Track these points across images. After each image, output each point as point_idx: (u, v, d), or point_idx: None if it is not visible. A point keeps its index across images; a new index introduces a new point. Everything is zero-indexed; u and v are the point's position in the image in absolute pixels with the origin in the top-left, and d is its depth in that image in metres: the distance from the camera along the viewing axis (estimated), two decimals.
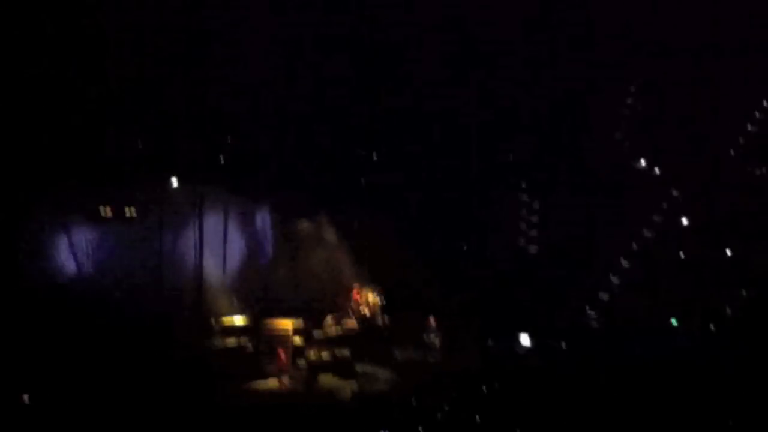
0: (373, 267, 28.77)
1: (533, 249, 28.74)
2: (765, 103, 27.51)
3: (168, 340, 24.21)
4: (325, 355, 25.80)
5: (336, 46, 26.45)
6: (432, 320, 26.82)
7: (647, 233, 27.47)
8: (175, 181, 26.44)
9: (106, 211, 25.75)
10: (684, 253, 26.74)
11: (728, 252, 26.58)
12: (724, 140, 27.75)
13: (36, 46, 22.72)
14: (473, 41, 27.70)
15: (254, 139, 26.29)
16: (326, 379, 24.77)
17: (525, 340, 26.31)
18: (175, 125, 24.91)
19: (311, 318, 26.91)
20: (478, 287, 27.80)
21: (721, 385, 20.35)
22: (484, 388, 22.82)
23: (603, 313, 26.62)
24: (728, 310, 25.47)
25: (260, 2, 25.96)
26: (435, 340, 26.50)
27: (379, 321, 27.64)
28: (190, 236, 26.86)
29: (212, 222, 27.41)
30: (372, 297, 27.96)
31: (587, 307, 26.81)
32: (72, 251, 24.97)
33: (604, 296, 26.89)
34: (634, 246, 27.35)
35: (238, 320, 26.02)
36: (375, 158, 28.77)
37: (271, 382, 24.59)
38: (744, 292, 25.71)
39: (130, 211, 25.97)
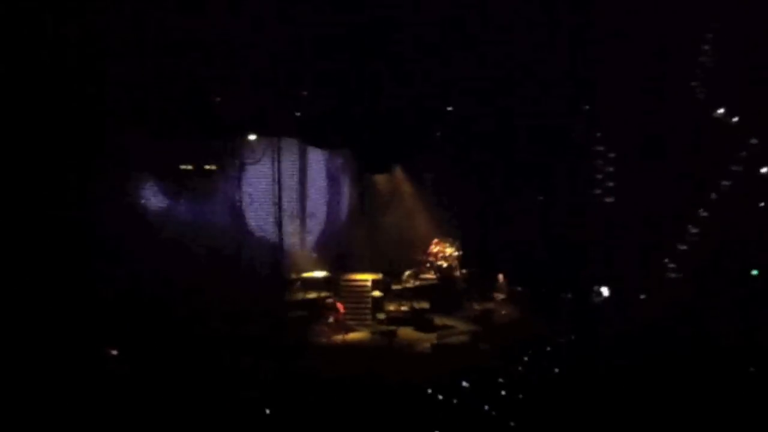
0: (450, 220, 29.02)
1: (610, 200, 28.46)
2: None
3: (250, 294, 24.75)
4: (404, 307, 26.28)
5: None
6: (501, 277, 27.02)
7: (726, 183, 26.97)
8: (253, 136, 26.52)
9: (186, 167, 25.99)
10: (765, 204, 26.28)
11: None
12: None
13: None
14: None
15: (329, 93, 26.16)
16: (405, 332, 25.16)
17: (603, 291, 26.42)
18: (251, 80, 24.81)
19: (390, 272, 27.34)
20: (554, 241, 27.73)
21: None
22: (561, 342, 22.88)
23: (682, 264, 26.43)
24: None
25: None
26: (504, 296, 26.77)
27: (457, 273, 27.93)
28: (268, 192, 27.22)
29: (289, 178, 27.74)
30: (450, 250, 28.21)
31: (666, 259, 26.64)
32: (151, 206, 25.35)
33: (682, 247, 26.71)
34: (713, 196, 26.92)
35: (318, 275, 26.44)
36: (450, 110, 28.54)
37: (351, 335, 25.12)
38: None
39: (209, 167, 26.23)
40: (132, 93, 23.24)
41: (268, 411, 17.10)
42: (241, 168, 26.91)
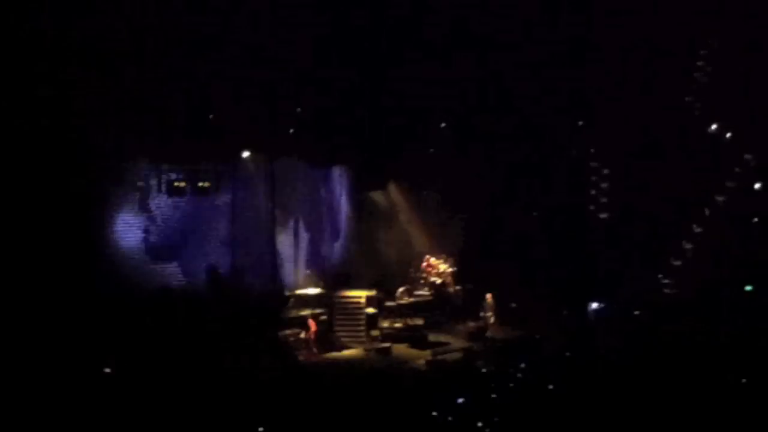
0: (443, 237, 29.03)
1: (604, 216, 28.52)
2: None
3: (244, 311, 24.70)
4: (398, 324, 26.20)
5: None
6: (489, 296, 26.95)
7: (720, 198, 27.01)
8: (247, 152, 26.50)
9: (180, 184, 25.91)
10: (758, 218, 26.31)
11: None
12: None
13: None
14: None
15: (324, 110, 26.18)
16: (400, 349, 25.06)
17: (596, 307, 26.39)
18: (245, 96, 24.81)
19: (384, 288, 27.28)
20: (551, 256, 27.72)
21: None
22: (557, 356, 22.81)
23: (676, 279, 26.45)
24: None
25: None
26: (490, 316, 26.69)
27: (451, 290, 27.89)
28: (262, 209, 27.18)
29: (284, 194, 27.68)
30: (444, 266, 28.19)
31: (660, 275, 26.67)
32: (146, 224, 25.26)
33: (676, 263, 26.74)
34: (707, 212, 26.96)
35: (312, 292, 26.38)
36: (444, 127, 28.59)
37: (345, 352, 25.03)
38: None
39: (203, 185, 26.15)
40: (127, 107, 23.20)
41: (261, 429, 17.02)
42: (236, 185, 26.84)
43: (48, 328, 20.21)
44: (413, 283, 27.86)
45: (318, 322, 24.92)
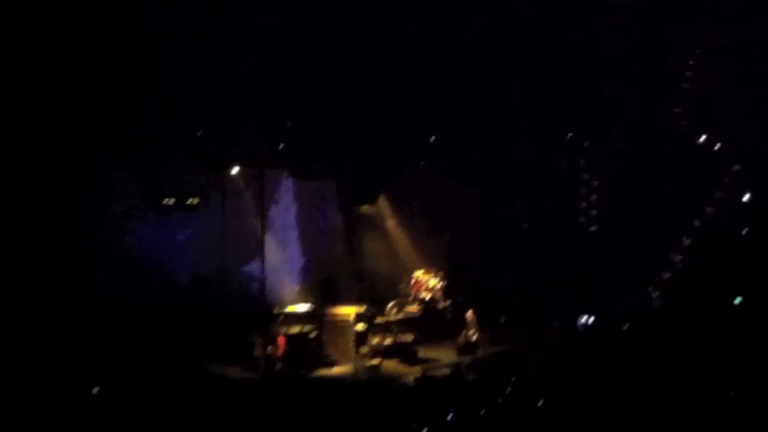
0: (433, 252, 28.99)
1: (593, 228, 28.50)
2: None
3: (231, 328, 24.70)
4: (387, 340, 26.12)
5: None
6: (470, 314, 26.84)
7: (709, 209, 26.99)
8: (236, 169, 26.46)
9: (169, 201, 25.90)
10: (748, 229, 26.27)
11: None
12: None
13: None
14: None
15: (313, 124, 26.17)
16: (389, 365, 25.03)
17: (586, 320, 26.33)
18: (234, 111, 24.81)
19: (374, 304, 27.22)
20: (539, 268, 27.71)
21: None
22: (545, 371, 22.74)
23: (665, 291, 26.40)
24: None
25: None
26: (473, 333, 26.52)
27: (441, 306, 27.82)
28: (252, 224, 27.15)
29: (274, 209, 27.62)
30: (433, 281, 28.13)
31: (650, 287, 26.62)
32: (133, 242, 25.25)
33: (665, 275, 26.71)
34: (696, 223, 26.93)
35: (302, 308, 26.30)
36: (434, 140, 28.53)
37: (335, 369, 24.97)
38: None
39: (192, 200, 26.13)
40: (114, 128, 23.20)
41: None
42: (225, 201, 26.81)
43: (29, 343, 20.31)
44: (403, 299, 27.80)
45: (306, 340, 24.86)
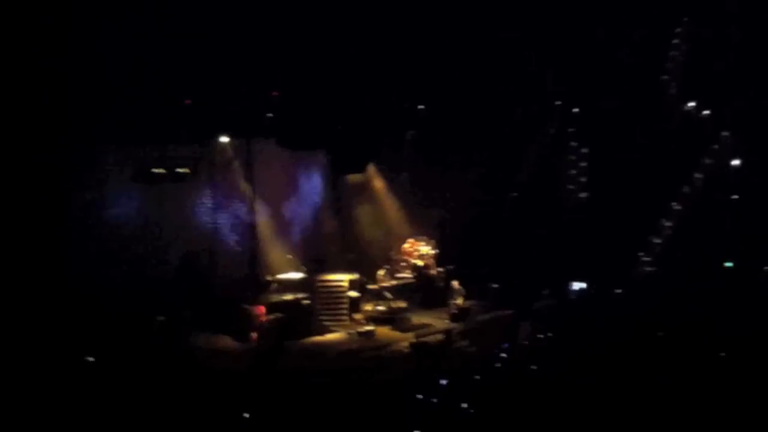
0: (424, 220, 29.05)
1: (583, 196, 28.63)
2: None
3: (225, 299, 24.68)
4: (381, 307, 26.21)
5: None
6: (456, 283, 26.97)
7: (698, 176, 27.14)
8: (224, 138, 26.36)
9: (158, 170, 25.72)
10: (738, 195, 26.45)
11: None
12: None
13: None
14: None
15: (301, 93, 26.02)
16: (383, 332, 25.12)
17: (576, 286, 26.49)
18: (225, 80, 24.60)
19: (365, 271, 27.27)
20: (530, 237, 27.82)
21: None
22: (539, 337, 22.88)
23: (656, 258, 26.58)
24: None
25: None
26: (460, 302, 26.68)
27: (433, 272, 27.90)
28: (241, 194, 27.07)
29: (262, 179, 27.53)
30: (425, 249, 28.20)
31: (640, 253, 26.80)
32: (124, 212, 25.09)
33: (656, 240, 26.88)
34: (686, 189, 27.08)
35: (294, 276, 26.28)
36: (423, 109, 28.48)
37: (329, 336, 25.02)
38: None
39: (181, 170, 25.98)
40: (102, 97, 22.96)
41: (246, 415, 16.97)
42: (214, 170, 26.71)
43: (21, 322, 20.19)
44: (394, 265, 27.86)
45: (299, 307, 24.86)
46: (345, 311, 25.82)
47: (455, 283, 26.74)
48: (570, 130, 29.17)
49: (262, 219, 27.39)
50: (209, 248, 26.28)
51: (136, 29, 22.91)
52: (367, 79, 26.27)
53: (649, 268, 26.53)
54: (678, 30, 27.76)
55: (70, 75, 22.26)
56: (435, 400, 17.69)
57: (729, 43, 26.46)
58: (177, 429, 16.70)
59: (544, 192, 29.05)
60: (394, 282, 27.24)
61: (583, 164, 28.88)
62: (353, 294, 26.01)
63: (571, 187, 29.04)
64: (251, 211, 27.06)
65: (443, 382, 18.57)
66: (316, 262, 27.13)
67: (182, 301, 23.90)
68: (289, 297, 25.07)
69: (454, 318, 25.96)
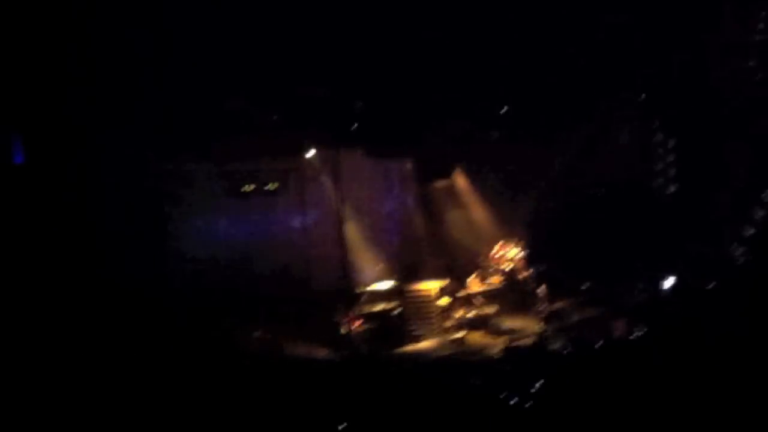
0: (512, 222, 28.96)
1: (672, 188, 28.19)
2: None
3: (316, 310, 25.02)
4: (471, 313, 26.28)
5: None
6: (541, 290, 26.78)
7: None
8: (312, 152, 26.71)
9: (248, 188, 26.26)
10: None
11: None
12: None
13: None
14: None
15: (386, 103, 26.23)
16: (474, 338, 25.25)
17: (669, 281, 26.09)
18: (307, 94, 24.94)
19: (455, 278, 27.37)
20: (620, 232, 27.50)
21: None
22: (634, 335, 22.62)
23: (749, 248, 25.98)
24: None
25: None
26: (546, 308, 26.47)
27: (522, 275, 27.84)
28: (330, 205, 27.41)
29: (351, 189, 27.83)
30: (513, 252, 28.15)
31: (733, 243, 26.23)
32: (214, 228, 25.61)
33: (749, 230, 26.28)
34: None
35: (384, 286, 26.56)
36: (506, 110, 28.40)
37: (420, 344, 25.20)
38: None
39: (271, 185, 26.48)
40: (190, 117, 23.48)
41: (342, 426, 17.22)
42: (303, 184, 27.11)
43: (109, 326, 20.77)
44: (484, 271, 27.90)
45: (390, 317, 25.12)
46: (435, 319, 25.95)
47: (541, 289, 26.65)
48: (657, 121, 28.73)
49: (352, 229, 27.73)
50: (301, 260, 26.66)
51: (228, 43, 23.40)
52: (451, 83, 26.30)
53: (741, 260, 25.91)
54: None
55: (164, 89, 22.82)
56: (529, 404, 17.69)
57: None
58: None
59: (633, 186, 28.68)
60: (483, 288, 27.25)
61: (672, 156, 28.39)
62: (443, 301, 26.12)
63: (660, 179, 28.60)
64: (341, 221, 27.40)
65: (537, 384, 18.54)
66: (408, 271, 27.35)
67: (276, 314, 24.31)
68: (379, 307, 25.41)
69: (545, 320, 25.85)
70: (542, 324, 25.71)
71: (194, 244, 25.13)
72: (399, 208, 29.33)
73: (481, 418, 17.54)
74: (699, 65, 27.14)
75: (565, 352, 23.77)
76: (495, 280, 27.68)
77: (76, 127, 22.16)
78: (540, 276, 27.42)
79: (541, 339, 24.38)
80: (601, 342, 21.96)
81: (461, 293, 26.92)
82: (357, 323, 24.84)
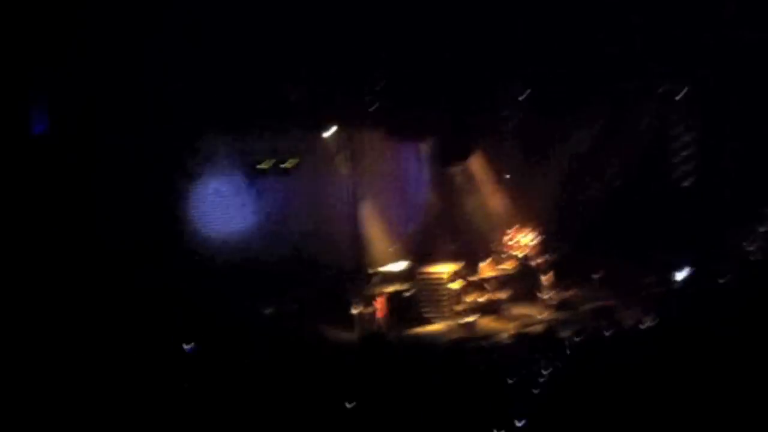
0: (527, 209, 28.89)
1: (687, 181, 28.09)
2: None
3: (328, 290, 25.06)
4: (482, 298, 26.29)
5: None
6: (546, 278, 26.85)
7: None
8: (329, 131, 26.65)
9: (265, 164, 26.21)
10: None
11: None
12: None
13: None
14: None
15: (404, 82, 26.14)
16: (484, 323, 25.25)
17: (683, 272, 25.99)
18: (328, 73, 24.85)
19: (468, 262, 27.37)
20: (634, 223, 27.43)
21: None
22: (646, 325, 22.57)
23: (763, 244, 25.88)
24: None
25: None
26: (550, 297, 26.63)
27: (535, 262, 27.82)
28: (346, 185, 27.42)
29: (367, 170, 27.83)
30: (527, 238, 28.11)
31: (750, 238, 26.11)
32: (229, 205, 25.60)
33: (762, 228, 26.17)
34: None
35: (397, 268, 26.56)
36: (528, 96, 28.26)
37: (430, 327, 25.26)
38: None
39: (287, 163, 26.44)
40: (204, 90, 23.38)
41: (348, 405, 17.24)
42: (318, 163, 27.09)
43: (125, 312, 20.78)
44: (497, 256, 27.87)
45: (401, 299, 25.17)
46: (447, 302, 25.96)
47: (546, 278, 26.72)
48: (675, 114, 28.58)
49: (367, 211, 27.74)
50: (316, 239, 26.66)
51: (251, 18, 23.32)
52: (474, 65, 26.16)
53: (756, 256, 25.80)
54: None
55: (186, 63, 22.73)
56: (537, 390, 17.70)
57: None
58: (288, 416, 17.12)
59: (653, 175, 28.59)
60: (496, 273, 27.24)
61: (689, 150, 28.26)
62: (454, 285, 26.12)
63: (681, 170, 28.49)
64: (355, 202, 27.41)
65: (546, 371, 18.54)
66: (421, 253, 27.36)
67: (288, 293, 24.34)
68: (390, 289, 25.42)
69: (557, 308, 25.84)
70: (554, 311, 25.77)
71: (209, 221, 25.05)
72: (416, 190, 29.27)
73: (488, 402, 17.59)
74: (728, 56, 26.94)
75: (576, 339, 23.81)
76: (508, 266, 27.58)
77: (94, 99, 22.11)
78: (554, 263, 27.45)
79: (553, 326, 24.38)
80: (612, 331, 21.97)
81: (474, 278, 26.86)
82: (369, 304, 24.80)
